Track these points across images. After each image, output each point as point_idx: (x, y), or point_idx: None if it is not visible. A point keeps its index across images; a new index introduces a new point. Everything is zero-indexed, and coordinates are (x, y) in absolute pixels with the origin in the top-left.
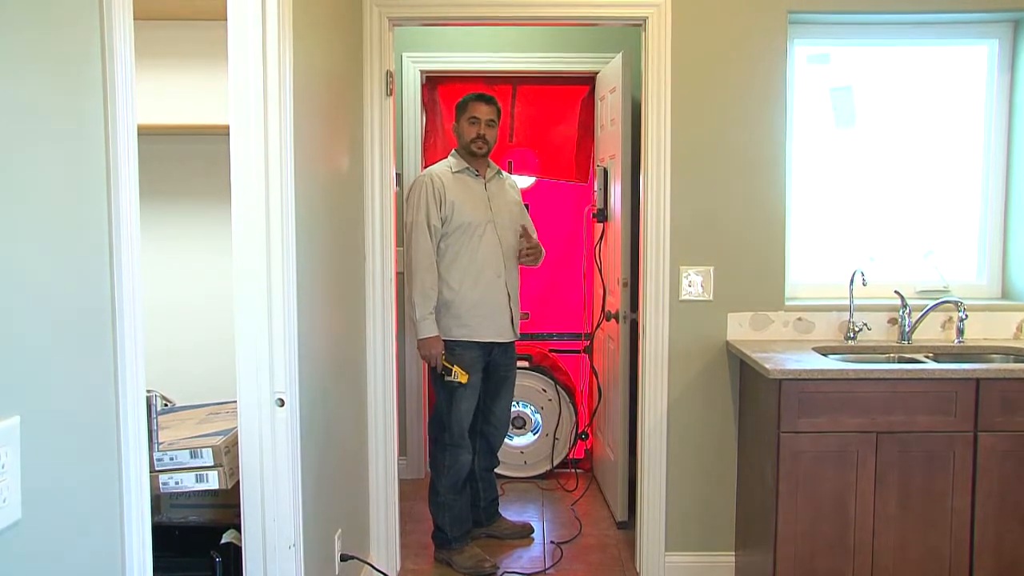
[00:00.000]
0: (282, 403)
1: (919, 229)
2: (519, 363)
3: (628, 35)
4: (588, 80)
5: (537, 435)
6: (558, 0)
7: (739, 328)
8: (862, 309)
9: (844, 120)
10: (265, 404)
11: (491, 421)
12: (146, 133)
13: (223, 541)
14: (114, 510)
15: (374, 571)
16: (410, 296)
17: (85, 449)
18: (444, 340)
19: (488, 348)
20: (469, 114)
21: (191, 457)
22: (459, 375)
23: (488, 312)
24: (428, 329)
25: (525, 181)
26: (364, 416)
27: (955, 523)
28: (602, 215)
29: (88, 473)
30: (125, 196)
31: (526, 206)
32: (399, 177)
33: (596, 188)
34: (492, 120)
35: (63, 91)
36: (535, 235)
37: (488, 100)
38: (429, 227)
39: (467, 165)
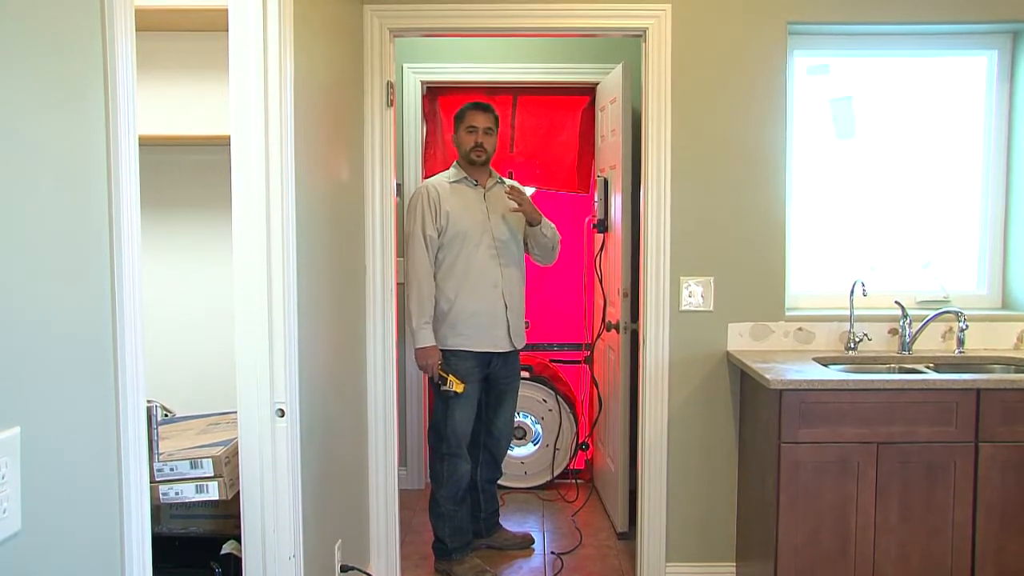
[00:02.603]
0: (282, 413)
1: (919, 239)
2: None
3: (628, 46)
4: (588, 91)
5: (537, 445)
6: (558, 11)
7: (739, 338)
8: (862, 319)
9: (844, 131)
10: (265, 414)
11: (493, 433)
12: (147, 144)
13: (223, 552)
14: (114, 520)
15: None
16: (407, 306)
17: (85, 459)
18: (441, 350)
19: (487, 359)
20: (466, 123)
21: (191, 467)
22: (454, 384)
23: (484, 322)
24: (424, 338)
25: (526, 191)
26: (364, 426)
27: (956, 534)
28: (602, 225)
29: (88, 483)
30: (126, 206)
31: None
32: (399, 188)
33: (596, 199)
34: (490, 128)
35: (65, 101)
36: (540, 216)
37: (484, 108)
38: (425, 237)
39: (466, 175)
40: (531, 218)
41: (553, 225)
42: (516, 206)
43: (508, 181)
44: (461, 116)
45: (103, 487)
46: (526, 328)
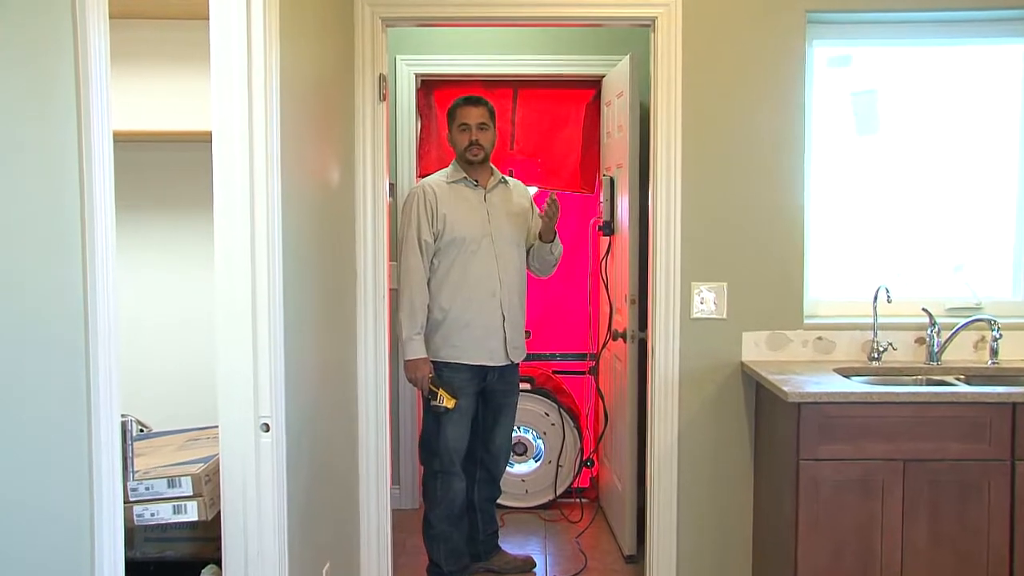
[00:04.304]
0: (267, 428)
1: (948, 242)
2: (521, 385)
3: (636, 36)
4: (593, 84)
5: (539, 462)
6: None
7: (755, 348)
8: (887, 328)
9: (866, 126)
10: (249, 429)
11: (491, 451)
12: (123, 140)
13: None
14: (84, 544)
15: None
16: (397, 315)
17: (53, 478)
18: (433, 361)
19: (482, 372)
20: (459, 121)
21: (169, 486)
22: (445, 399)
23: (479, 333)
24: (415, 350)
25: (529, 191)
26: (355, 442)
27: (992, 558)
28: (608, 228)
29: (56, 504)
30: (100, 207)
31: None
32: (392, 188)
33: (602, 199)
34: (484, 123)
35: (31, 94)
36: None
37: (476, 102)
38: (420, 243)
39: (464, 175)
40: (550, 233)
41: (561, 245)
42: (547, 217)
43: (511, 180)
44: (453, 114)
45: (73, 508)
46: (527, 338)
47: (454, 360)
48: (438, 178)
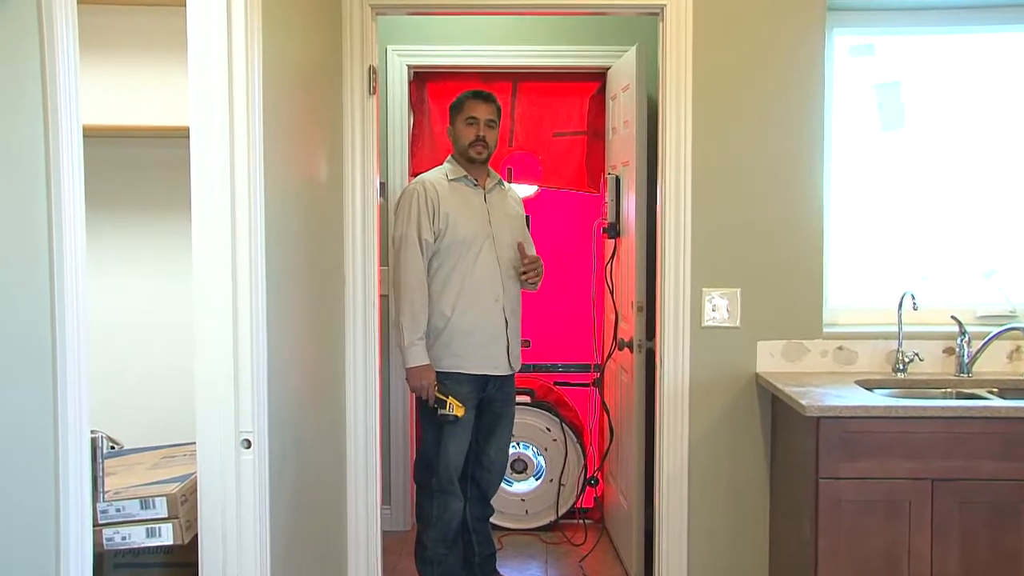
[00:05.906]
0: (248, 444)
1: (980, 244)
2: (520, 398)
3: (643, 25)
4: (598, 76)
5: (540, 480)
6: None
7: (770, 358)
8: (913, 337)
9: (891, 120)
10: (229, 445)
11: (483, 464)
12: (94, 135)
13: None
14: (49, 571)
15: None
16: (396, 320)
17: (15, 498)
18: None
19: (483, 382)
20: (466, 114)
21: (142, 508)
22: (455, 407)
23: (482, 341)
24: (417, 357)
25: (527, 190)
26: (343, 459)
27: None
28: (614, 230)
29: (18, 527)
30: (68, 208)
31: (527, 218)
32: (383, 187)
33: (607, 199)
34: (492, 120)
35: None
36: (533, 250)
37: (487, 98)
38: (420, 242)
39: (465, 173)
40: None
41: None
42: (532, 273)
43: (506, 184)
44: (459, 106)
45: (36, 532)
46: (526, 347)
47: (455, 370)
48: (437, 175)
